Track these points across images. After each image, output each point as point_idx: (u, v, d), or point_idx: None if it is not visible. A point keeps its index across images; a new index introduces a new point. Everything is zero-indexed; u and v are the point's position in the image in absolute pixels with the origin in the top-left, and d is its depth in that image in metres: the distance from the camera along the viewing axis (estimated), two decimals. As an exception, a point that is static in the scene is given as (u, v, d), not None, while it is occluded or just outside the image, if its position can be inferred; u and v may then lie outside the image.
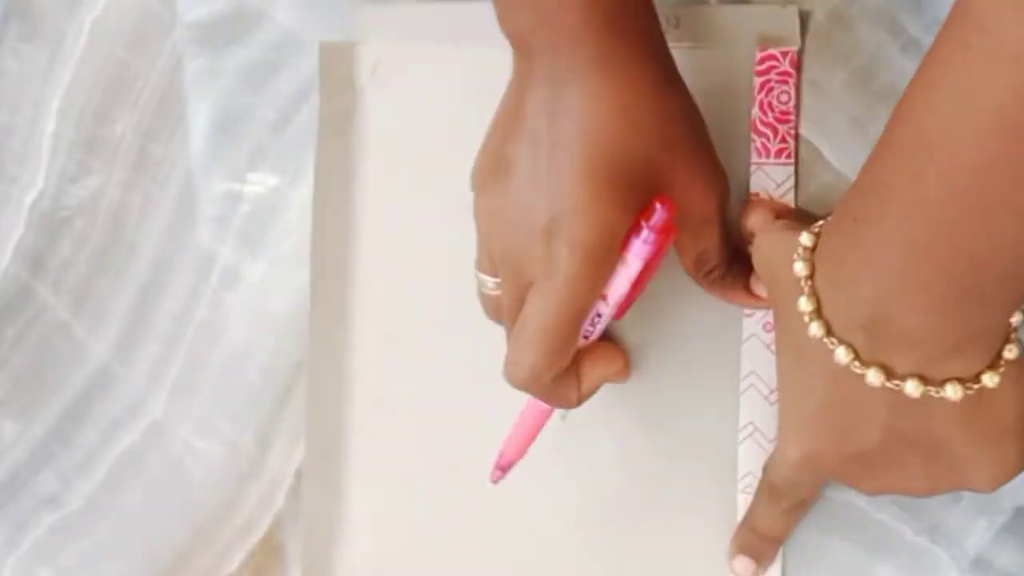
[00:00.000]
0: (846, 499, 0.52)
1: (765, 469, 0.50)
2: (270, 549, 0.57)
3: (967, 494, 0.51)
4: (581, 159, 0.44)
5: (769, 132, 0.52)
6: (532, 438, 0.51)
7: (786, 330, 0.46)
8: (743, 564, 0.51)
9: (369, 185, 0.57)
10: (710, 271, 0.50)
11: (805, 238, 0.45)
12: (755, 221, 0.50)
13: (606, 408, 0.52)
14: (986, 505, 0.51)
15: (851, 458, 0.45)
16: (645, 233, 0.45)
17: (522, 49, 0.46)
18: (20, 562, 0.59)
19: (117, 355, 0.59)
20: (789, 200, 0.52)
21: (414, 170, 0.56)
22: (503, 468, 0.51)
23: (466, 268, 0.51)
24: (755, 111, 0.52)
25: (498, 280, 0.48)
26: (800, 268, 0.44)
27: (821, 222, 0.46)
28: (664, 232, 0.45)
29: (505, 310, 0.48)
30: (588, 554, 0.54)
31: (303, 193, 0.58)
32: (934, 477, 0.46)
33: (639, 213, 0.45)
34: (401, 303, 0.56)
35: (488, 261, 0.48)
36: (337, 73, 0.57)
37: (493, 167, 0.47)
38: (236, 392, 0.58)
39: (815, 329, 0.44)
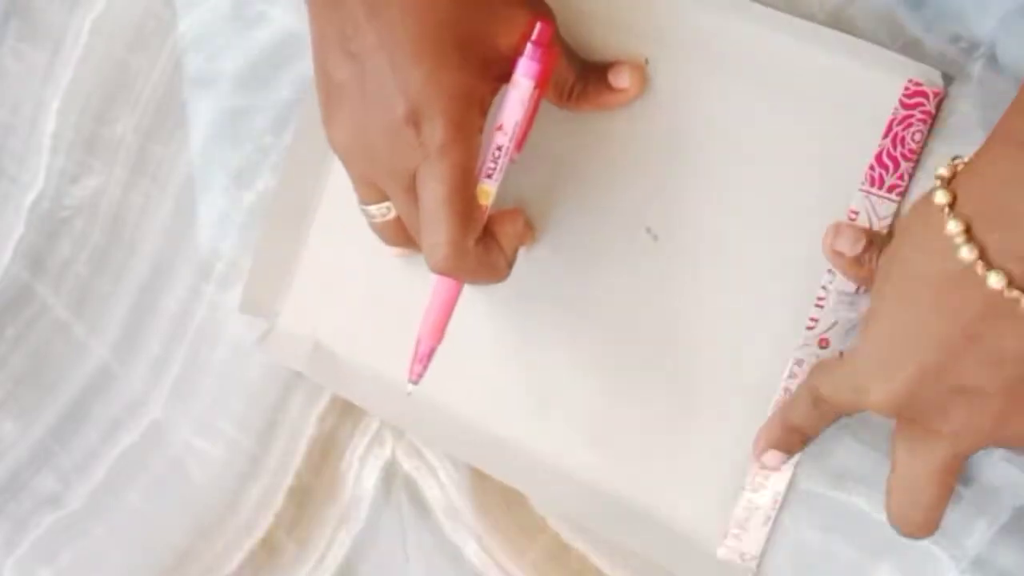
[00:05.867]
0: (846, 499, 0.52)
1: (816, 383, 0.48)
2: (270, 549, 0.57)
3: (967, 493, 0.51)
4: (416, 37, 0.45)
5: (891, 165, 0.51)
6: (447, 320, 0.50)
7: (901, 267, 0.45)
8: (773, 457, 0.51)
9: None
10: (571, 90, 0.51)
11: (942, 170, 0.43)
12: (843, 243, 0.50)
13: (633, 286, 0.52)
14: (986, 505, 0.51)
15: (955, 389, 0.43)
16: (530, 49, 0.47)
17: None
18: (20, 562, 0.59)
19: (117, 355, 0.59)
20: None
21: None
22: (423, 360, 0.50)
23: None
24: (886, 141, 0.51)
25: (387, 202, 0.49)
26: (941, 196, 0.43)
27: (957, 158, 0.44)
28: (547, 47, 0.47)
29: (406, 218, 0.48)
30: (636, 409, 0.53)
31: (303, 193, 0.58)
32: None
33: (513, 50, 0.47)
34: None
35: (367, 187, 0.49)
36: None
37: (329, 93, 0.47)
38: (236, 392, 0.58)
39: (966, 253, 0.42)
